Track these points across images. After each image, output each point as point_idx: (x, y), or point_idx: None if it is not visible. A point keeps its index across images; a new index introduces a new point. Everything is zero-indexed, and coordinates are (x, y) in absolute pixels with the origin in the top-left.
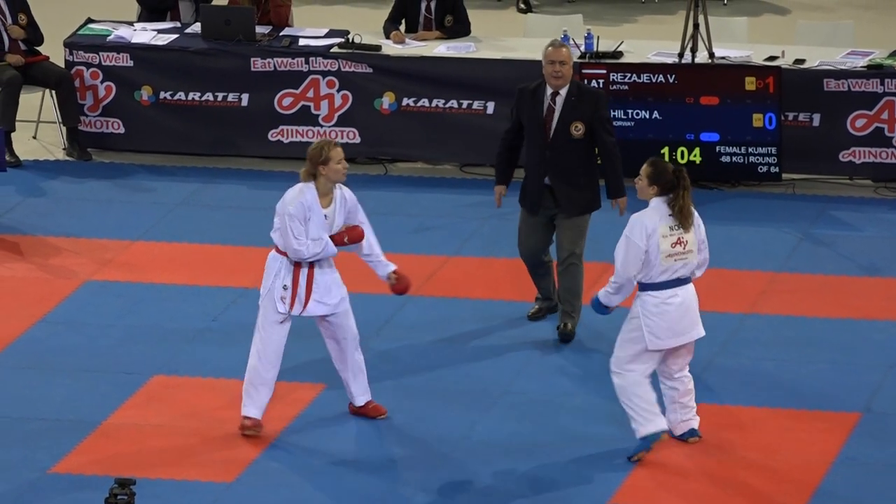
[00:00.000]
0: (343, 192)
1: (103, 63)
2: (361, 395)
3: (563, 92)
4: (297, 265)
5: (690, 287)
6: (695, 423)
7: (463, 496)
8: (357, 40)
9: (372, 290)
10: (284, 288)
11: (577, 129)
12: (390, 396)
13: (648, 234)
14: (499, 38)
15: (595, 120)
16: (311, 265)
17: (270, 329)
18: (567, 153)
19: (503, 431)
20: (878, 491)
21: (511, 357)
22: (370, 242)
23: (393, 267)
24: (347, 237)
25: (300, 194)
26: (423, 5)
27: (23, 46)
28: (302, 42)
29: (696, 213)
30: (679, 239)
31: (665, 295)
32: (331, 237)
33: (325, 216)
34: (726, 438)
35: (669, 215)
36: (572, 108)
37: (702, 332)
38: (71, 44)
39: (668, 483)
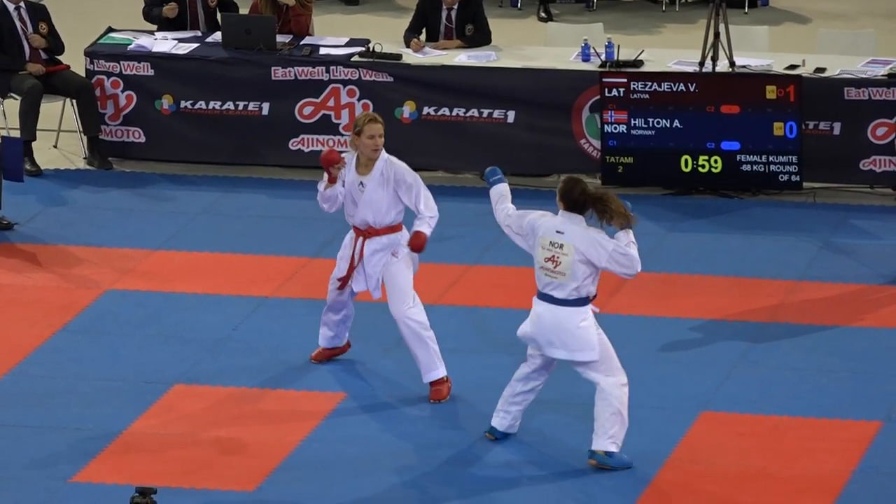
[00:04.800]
0: (390, 168)
1: (124, 72)
2: (423, 372)
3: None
4: (356, 234)
5: (565, 311)
6: (594, 444)
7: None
8: (378, 49)
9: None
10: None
11: None
12: (411, 404)
13: (533, 227)
14: (519, 47)
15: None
16: (364, 240)
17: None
18: None
19: (524, 439)
20: None
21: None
22: (419, 209)
23: (421, 229)
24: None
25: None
26: (444, 14)
27: (44, 55)
28: (322, 51)
29: (604, 247)
30: (553, 256)
31: (539, 306)
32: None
33: (362, 183)
34: (746, 447)
35: (558, 231)
36: None
37: (569, 357)
38: (92, 53)
39: (689, 489)
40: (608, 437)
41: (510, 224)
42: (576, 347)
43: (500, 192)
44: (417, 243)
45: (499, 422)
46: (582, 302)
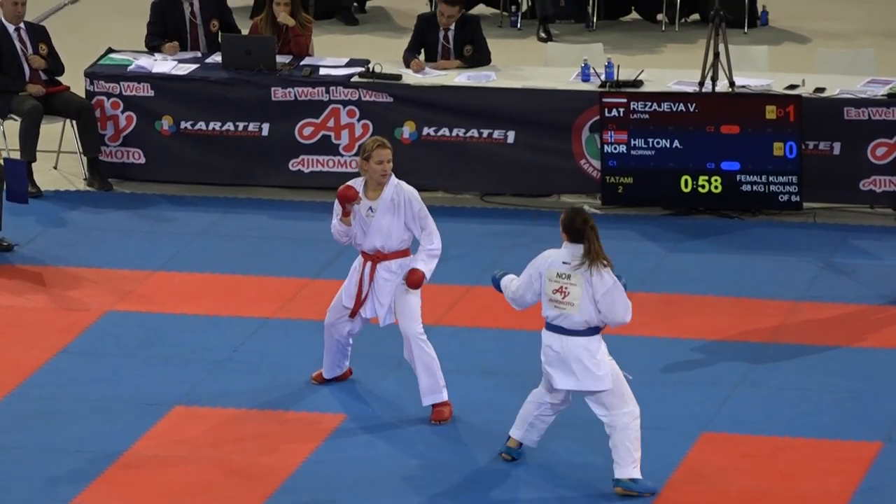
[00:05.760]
0: (401, 193)
1: (124, 93)
2: (425, 395)
3: None
4: (364, 259)
5: (576, 341)
6: (619, 473)
7: None
8: (377, 69)
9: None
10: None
11: None
12: (413, 425)
13: (540, 271)
14: (519, 67)
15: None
16: (374, 264)
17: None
18: None
19: (525, 461)
20: None
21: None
22: (421, 240)
23: (418, 266)
24: (408, 280)
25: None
26: (442, 34)
27: (43, 76)
28: (322, 71)
29: (605, 275)
30: (562, 287)
31: (548, 338)
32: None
33: (371, 208)
34: (748, 467)
35: (564, 262)
36: None
37: (581, 388)
38: (91, 74)
39: None
40: (632, 463)
41: (518, 293)
42: (587, 378)
43: (508, 279)
44: (414, 281)
45: (523, 434)
46: (593, 331)
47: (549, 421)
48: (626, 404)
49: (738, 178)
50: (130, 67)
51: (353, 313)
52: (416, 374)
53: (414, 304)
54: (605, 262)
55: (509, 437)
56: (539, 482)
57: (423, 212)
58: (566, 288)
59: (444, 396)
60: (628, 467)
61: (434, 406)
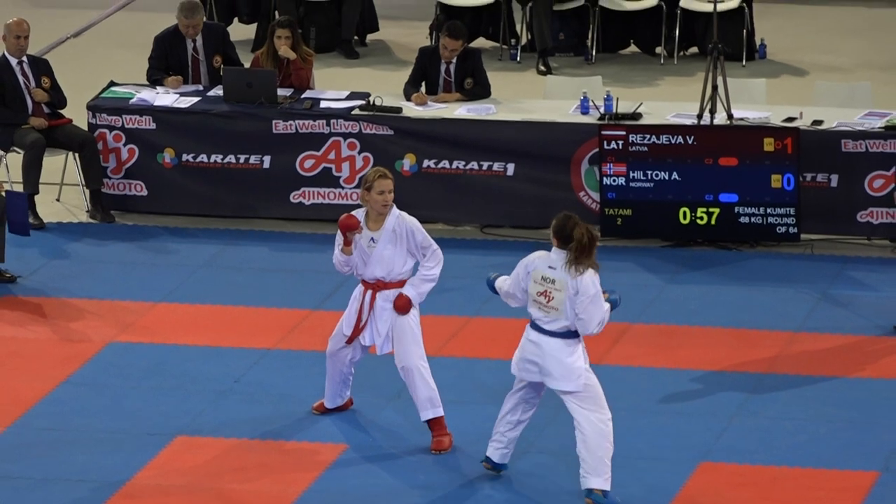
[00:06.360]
0: (402, 224)
1: (126, 126)
2: (423, 409)
3: None
4: (364, 287)
5: (555, 342)
6: (589, 483)
7: None
8: (378, 102)
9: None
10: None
11: None
12: (413, 454)
13: (528, 270)
14: (519, 100)
15: None
16: (374, 293)
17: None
18: None
19: (529, 486)
20: None
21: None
22: (421, 269)
23: (404, 291)
24: (396, 304)
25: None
26: (443, 68)
27: (46, 109)
28: (323, 104)
29: (589, 283)
30: (546, 292)
31: (530, 334)
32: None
33: (372, 239)
34: (746, 498)
35: (550, 267)
36: None
37: (553, 385)
38: (94, 107)
39: None
40: (604, 476)
41: (509, 291)
42: (559, 376)
43: (502, 280)
44: (399, 305)
45: (492, 451)
46: (573, 335)
47: (523, 419)
48: (601, 410)
49: (736, 210)
50: (132, 100)
51: (351, 340)
52: (412, 391)
53: (408, 328)
54: (593, 267)
55: (486, 457)
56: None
57: (425, 241)
58: (550, 293)
59: (442, 411)
60: (601, 477)
61: (434, 436)
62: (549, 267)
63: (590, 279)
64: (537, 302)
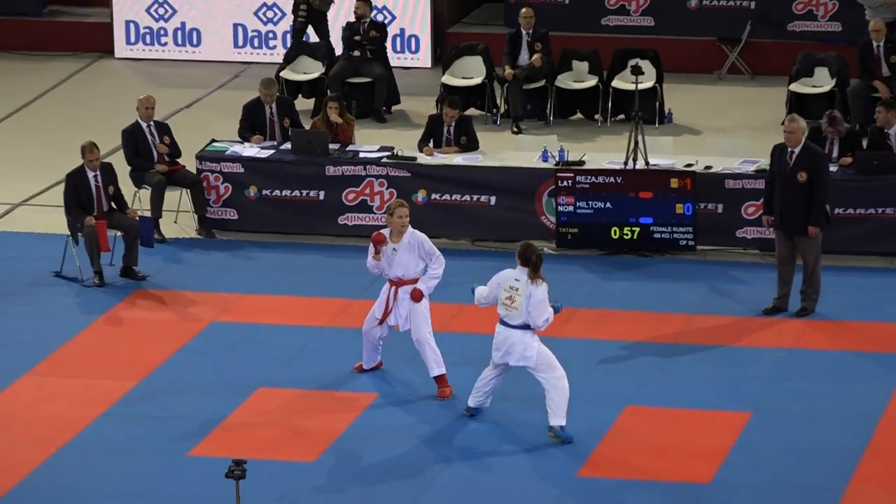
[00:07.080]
0: (414, 238)
1: (223, 170)
2: (431, 368)
3: (796, 150)
4: (390, 284)
5: (516, 332)
6: (553, 421)
7: (470, 460)
8: (399, 153)
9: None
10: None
11: (802, 176)
12: (425, 401)
13: (499, 283)
14: (498, 152)
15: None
16: (396, 287)
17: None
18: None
19: (507, 420)
20: None
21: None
22: (429, 270)
23: (418, 286)
24: (412, 294)
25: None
26: (446, 129)
27: (167, 158)
28: (361, 154)
29: (539, 292)
30: (511, 297)
31: (499, 328)
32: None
33: (394, 248)
34: (658, 431)
35: (516, 279)
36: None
37: (516, 363)
38: (200, 157)
39: (618, 460)
40: (562, 414)
41: (486, 297)
42: (520, 357)
43: (480, 289)
44: (414, 296)
45: (473, 401)
46: (528, 328)
47: (493, 385)
48: (556, 370)
49: (651, 229)
50: (228, 152)
51: (381, 321)
52: (423, 356)
53: (421, 312)
54: (541, 280)
55: (468, 406)
56: (504, 438)
57: (432, 250)
58: (514, 297)
59: (445, 370)
60: (559, 417)
61: (439, 387)
62: (515, 279)
63: (541, 290)
64: (504, 304)
